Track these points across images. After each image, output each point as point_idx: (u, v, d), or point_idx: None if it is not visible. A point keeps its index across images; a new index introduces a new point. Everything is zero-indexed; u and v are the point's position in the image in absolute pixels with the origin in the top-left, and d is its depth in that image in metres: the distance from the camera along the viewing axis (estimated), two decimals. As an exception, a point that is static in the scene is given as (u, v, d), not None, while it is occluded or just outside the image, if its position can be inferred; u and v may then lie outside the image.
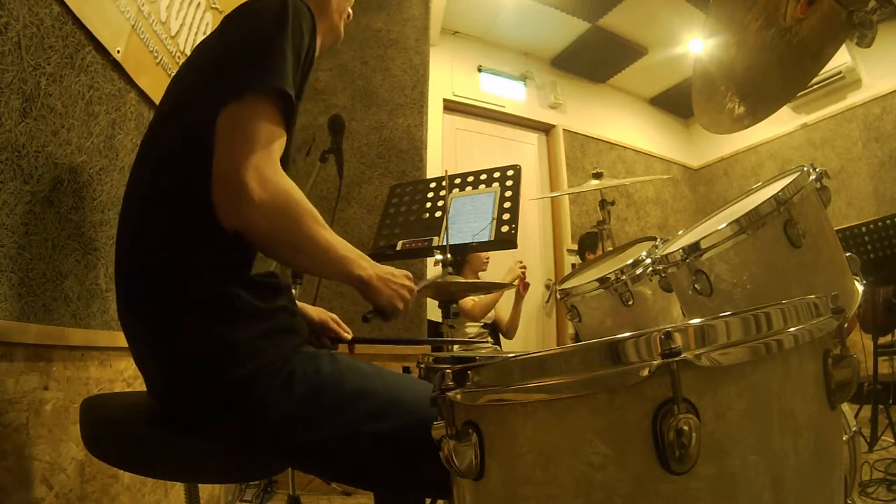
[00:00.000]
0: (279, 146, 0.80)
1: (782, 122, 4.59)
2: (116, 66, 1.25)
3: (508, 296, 3.14)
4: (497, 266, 3.15)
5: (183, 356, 0.78)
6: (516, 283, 2.99)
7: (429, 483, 0.80)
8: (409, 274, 0.97)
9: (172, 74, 1.51)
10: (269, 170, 0.77)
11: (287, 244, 0.80)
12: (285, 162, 0.93)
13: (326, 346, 1.11)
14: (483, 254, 2.88)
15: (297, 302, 0.99)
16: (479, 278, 2.97)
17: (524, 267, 3.06)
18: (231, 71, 0.81)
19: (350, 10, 1.13)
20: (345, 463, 0.81)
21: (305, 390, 0.78)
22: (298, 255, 0.82)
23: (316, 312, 1.12)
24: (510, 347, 3.20)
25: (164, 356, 0.80)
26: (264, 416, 0.77)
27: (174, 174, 0.82)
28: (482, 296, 2.89)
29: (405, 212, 1.82)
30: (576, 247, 3.80)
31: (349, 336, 1.14)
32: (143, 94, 1.38)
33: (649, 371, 0.47)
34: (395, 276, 0.93)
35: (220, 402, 0.77)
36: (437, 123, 4.05)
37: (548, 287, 4.36)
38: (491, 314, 3.09)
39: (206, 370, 0.77)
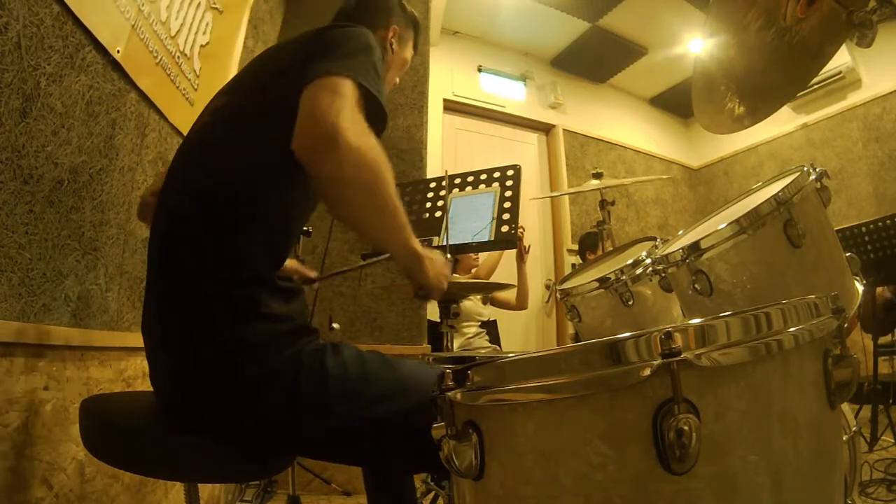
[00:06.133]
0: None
1: (782, 122, 4.59)
2: (116, 66, 1.25)
3: (509, 277, 3.08)
4: (503, 267, 3.13)
5: (204, 352, 0.79)
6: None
7: (436, 462, 0.81)
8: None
9: (171, 74, 1.52)
10: (361, 123, 0.78)
11: (362, 197, 0.80)
12: None
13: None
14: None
15: None
16: (472, 275, 2.97)
17: (522, 228, 3.01)
18: (319, 62, 0.82)
19: (397, 80, 1.21)
20: (354, 447, 0.83)
21: (313, 382, 0.80)
22: (368, 211, 0.82)
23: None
24: (510, 347, 3.20)
25: (184, 351, 0.81)
26: (275, 411, 0.79)
27: (221, 167, 0.85)
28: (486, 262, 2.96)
29: (405, 211, 1.81)
30: (576, 247, 3.80)
31: (314, 275, 1.28)
32: (143, 94, 1.37)
33: (650, 371, 0.47)
34: (438, 258, 0.97)
35: (235, 399, 0.78)
36: (436, 123, 4.05)
37: (548, 287, 4.36)
38: (509, 296, 3.05)
39: (225, 367, 0.78)
